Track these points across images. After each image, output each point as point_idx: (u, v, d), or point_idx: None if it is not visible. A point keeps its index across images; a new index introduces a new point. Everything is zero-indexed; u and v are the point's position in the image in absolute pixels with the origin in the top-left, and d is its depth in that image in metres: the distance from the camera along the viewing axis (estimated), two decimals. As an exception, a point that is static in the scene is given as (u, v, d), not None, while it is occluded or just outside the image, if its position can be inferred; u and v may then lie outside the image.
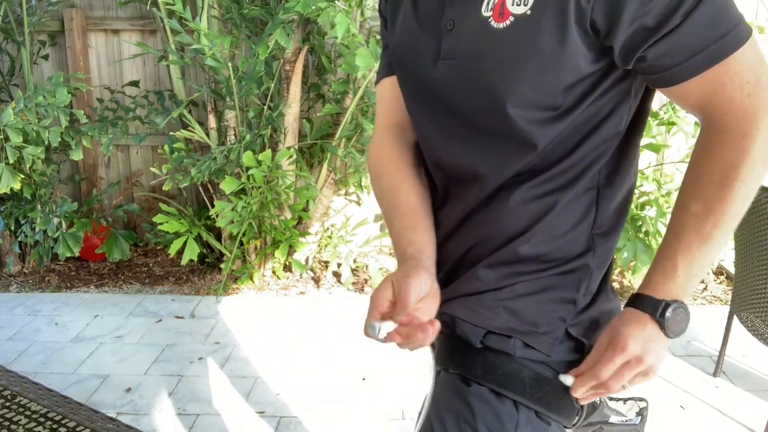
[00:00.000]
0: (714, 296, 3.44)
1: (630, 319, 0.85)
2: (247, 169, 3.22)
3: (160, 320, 3.19)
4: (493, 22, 0.84)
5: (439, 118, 0.94)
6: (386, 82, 1.07)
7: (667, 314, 0.83)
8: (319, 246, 3.75)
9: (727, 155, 0.79)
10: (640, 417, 2.50)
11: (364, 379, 2.66)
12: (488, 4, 0.85)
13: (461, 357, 0.95)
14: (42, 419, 1.36)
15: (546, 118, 0.86)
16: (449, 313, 0.95)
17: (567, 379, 0.91)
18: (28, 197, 3.47)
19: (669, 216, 0.85)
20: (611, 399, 2.55)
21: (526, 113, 0.85)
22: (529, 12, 0.81)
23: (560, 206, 0.90)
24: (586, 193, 0.91)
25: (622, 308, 0.90)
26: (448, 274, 0.98)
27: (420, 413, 0.98)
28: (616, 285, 3.52)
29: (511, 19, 0.82)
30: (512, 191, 0.91)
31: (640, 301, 0.86)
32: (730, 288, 3.45)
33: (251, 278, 3.56)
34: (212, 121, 3.52)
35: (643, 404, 2.54)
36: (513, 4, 0.82)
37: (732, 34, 0.77)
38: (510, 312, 0.92)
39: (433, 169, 1.01)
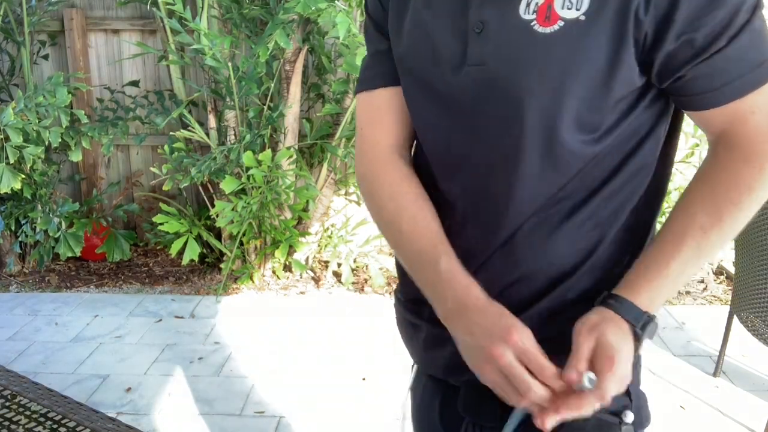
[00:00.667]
0: (714, 296, 3.44)
1: (613, 328, 0.76)
2: (247, 169, 3.22)
3: (160, 320, 3.19)
4: (537, 27, 0.76)
5: (462, 130, 0.85)
6: (385, 93, 0.95)
7: (647, 329, 0.77)
8: (319, 246, 3.75)
9: (749, 177, 0.79)
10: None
11: (364, 379, 2.66)
12: (529, 5, 0.77)
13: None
14: (42, 419, 1.35)
15: (588, 137, 0.80)
16: None
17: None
18: (29, 197, 3.47)
19: (667, 217, 0.80)
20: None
21: (569, 129, 0.79)
22: (582, 17, 0.74)
23: (608, 240, 0.85)
24: (631, 222, 0.86)
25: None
26: None
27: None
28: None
29: (561, 24, 0.75)
30: (553, 221, 0.83)
31: (620, 303, 0.78)
32: (730, 288, 3.45)
33: (251, 278, 3.56)
34: (212, 121, 3.52)
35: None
36: (563, 8, 0.75)
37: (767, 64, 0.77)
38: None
39: (448, 187, 0.90)
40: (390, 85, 0.94)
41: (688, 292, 3.47)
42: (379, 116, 0.96)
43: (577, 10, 0.74)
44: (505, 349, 0.75)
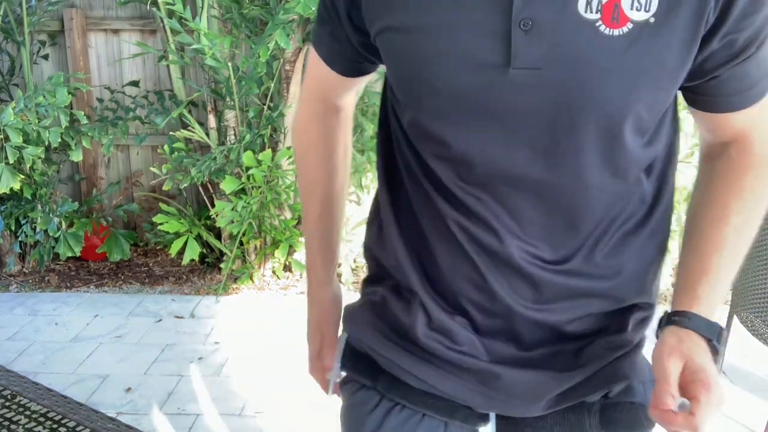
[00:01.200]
0: (714, 296, 3.44)
1: (696, 348, 0.74)
2: (247, 169, 3.22)
3: (160, 320, 3.19)
4: (604, 28, 0.70)
5: (503, 140, 0.77)
6: (342, 78, 0.95)
7: (721, 340, 0.76)
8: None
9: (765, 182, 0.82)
10: (640, 417, 2.48)
11: (364, 379, 2.66)
12: (590, 3, 0.70)
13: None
14: (42, 419, 1.35)
15: (644, 140, 0.78)
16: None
17: None
18: (29, 197, 3.47)
19: (692, 223, 0.85)
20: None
21: (631, 134, 0.76)
22: (652, 20, 0.70)
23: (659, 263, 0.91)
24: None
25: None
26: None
27: None
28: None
29: (630, 25, 0.70)
30: (620, 234, 0.83)
31: (690, 320, 0.76)
32: (730, 288, 3.45)
33: (251, 278, 3.56)
34: (212, 121, 3.52)
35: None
36: (632, 9, 0.70)
37: None
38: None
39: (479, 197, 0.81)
40: (343, 73, 0.95)
41: (688, 292, 3.47)
42: (323, 85, 0.99)
43: (647, 11, 0.70)
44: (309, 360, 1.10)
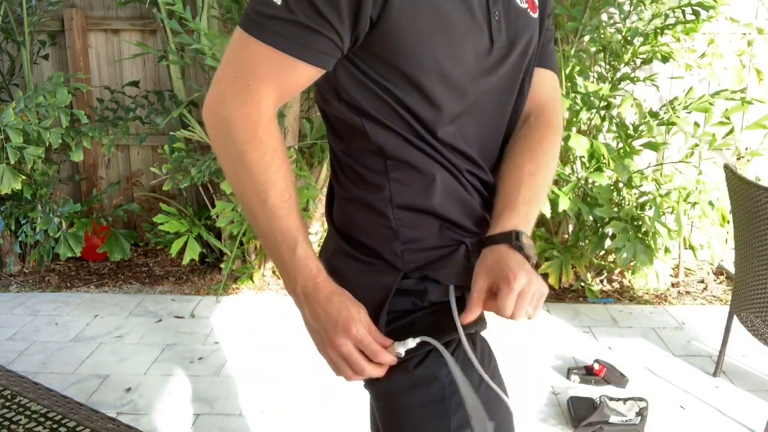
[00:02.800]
0: (714, 296, 3.44)
1: (502, 254, 0.94)
2: (247, 169, 3.21)
3: (160, 320, 3.19)
4: (530, 12, 1.03)
5: (486, 104, 1.02)
6: (310, 72, 0.93)
7: (522, 240, 0.95)
8: (319, 246, 3.74)
9: (556, 135, 1.12)
10: (640, 417, 2.50)
11: (364, 379, 2.66)
12: None
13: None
14: (42, 419, 1.35)
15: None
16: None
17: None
18: (29, 197, 3.47)
19: (500, 171, 1.12)
20: (611, 399, 2.55)
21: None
22: (538, 2, 1.05)
23: None
24: None
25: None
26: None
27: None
28: (616, 285, 3.53)
29: (538, 10, 1.05)
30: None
31: (493, 239, 0.97)
32: (730, 288, 3.45)
33: (251, 278, 3.57)
34: (212, 121, 3.52)
35: (643, 404, 2.54)
36: None
37: None
38: None
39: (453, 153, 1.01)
40: (320, 66, 0.92)
41: (688, 292, 3.47)
42: (284, 84, 0.92)
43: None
44: (345, 340, 0.93)
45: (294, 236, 0.94)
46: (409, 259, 1.00)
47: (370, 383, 1.05)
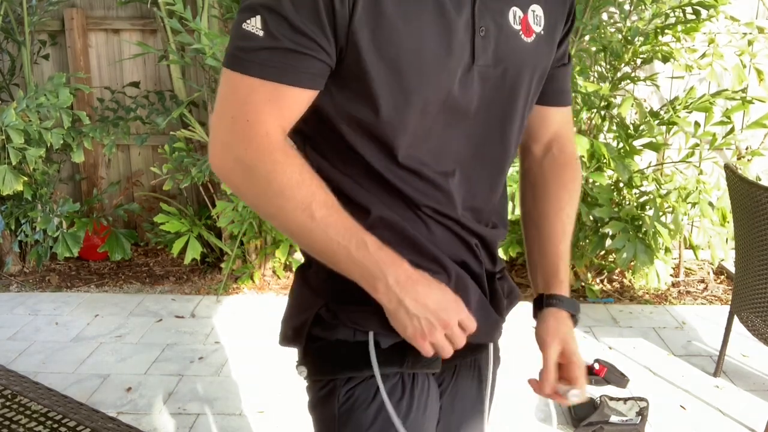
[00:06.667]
0: (714, 296, 3.44)
1: (571, 329, 1.02)
2: (248, 168, 3.21)
3: (161, 320, 3.19)
4: (523, 36, 0.96)
5: (466, 127, 0.97)
6: (306, 95, 0.90)
7: (578, 312, 1.04)
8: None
9: (578, 173, 1.13)
10: (640, 417, 2.50)
11: (364, 378, 2.66)
12: (514, 18, 0.96)
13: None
14: (42, 419, 1.35)
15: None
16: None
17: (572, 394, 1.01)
18: (29, 197, 3.47)
19: (531, 210, 1.17)
20: (611, 399, 2.55)
21: (527, 112, 1.04)
22: (542, 32, 0.98)
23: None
24: None
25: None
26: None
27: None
28: (616, 285, 3.53)
29: (534, 36, 0.97)
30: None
31: (566, 304, 1.03)
32: (730, 288, 3.45)
33: (252, 278, 3.57)
34: (212, 121, 3.52)
35: (643, 404, 2.54)
36: (534, 24, 0.97)
37: None
38: None
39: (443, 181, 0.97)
40: (315, 88, 0.90)
41: (688, 292, 3.47)
42: (285, 112, 0.90)
43: (539, 26, 0.98)
44: (455, 318, 0.92)
45: (358, 234, 0.89)
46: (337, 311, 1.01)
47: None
